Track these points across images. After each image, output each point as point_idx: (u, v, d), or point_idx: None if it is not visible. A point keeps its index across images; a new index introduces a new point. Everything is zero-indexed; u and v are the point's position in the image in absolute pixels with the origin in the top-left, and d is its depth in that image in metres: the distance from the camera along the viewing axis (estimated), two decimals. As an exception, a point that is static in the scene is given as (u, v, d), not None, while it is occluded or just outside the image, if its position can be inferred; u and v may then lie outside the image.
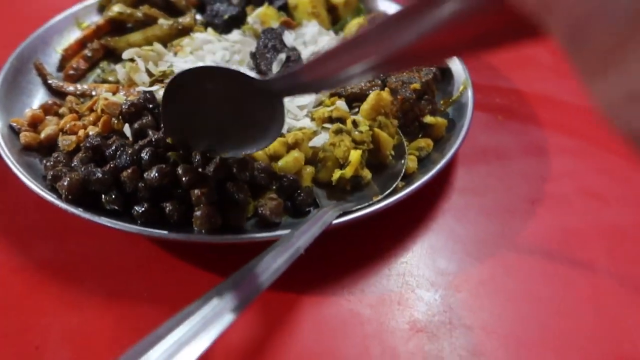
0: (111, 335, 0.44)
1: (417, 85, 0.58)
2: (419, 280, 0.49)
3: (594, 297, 0.47)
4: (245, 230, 0.48)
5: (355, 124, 0.53)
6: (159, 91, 0.55)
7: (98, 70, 0.68)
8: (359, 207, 0.48)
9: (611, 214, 0.56)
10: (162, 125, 0.50)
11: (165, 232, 0.45)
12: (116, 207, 0.47)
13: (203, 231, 0.46)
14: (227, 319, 0.34)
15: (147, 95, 0.53)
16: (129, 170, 0.47)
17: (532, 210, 0.56)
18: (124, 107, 0.52)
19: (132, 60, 0.62)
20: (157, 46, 0.64)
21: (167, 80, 0.60)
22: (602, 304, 0.47)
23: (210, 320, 0.34)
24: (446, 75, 0.66)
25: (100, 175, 0.46)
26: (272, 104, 0.44)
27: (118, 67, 0.64)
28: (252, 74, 0.62)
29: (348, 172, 0.51)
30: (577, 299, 0.47)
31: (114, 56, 0.70)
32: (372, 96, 0.55)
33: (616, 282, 0.49)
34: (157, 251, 0.50)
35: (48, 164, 0.50)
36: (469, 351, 0.44)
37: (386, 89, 0.58)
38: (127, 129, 0.53)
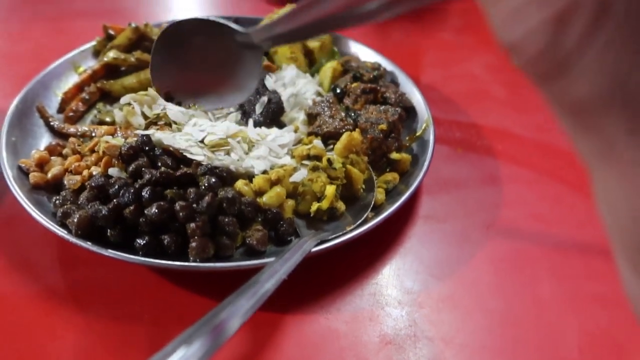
0: (116, 353, 0.50)
1: (384, 126, 0.65)
2: (387, 299, 0.56)
3: (537, 307, 0.55)
4: (234, 258, 0.55)
5: (330, 162, 0.60)
6: (155, 134, 0.62)
7: (95, 111, 0.75)
8: (335, 236, 0.55)
9: (554, 235, 0.64)
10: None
11: (164, 261, 0.52)
12: (120, 241, 0.53)
13: (197, 260, 0.53)
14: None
15: (144, 138, 0.60)
16: (131, 208, 0.53)
17: (487, 233, 0.64)
18: (123, 149, 0.59)
19: (128, 104, 0.69)
20: (151, 91, 0.71)
21: (160, 122, 0.67)
22: (544, 313, 0.55)
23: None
24: (410, 114, 0.74)
25: (105, 212, 0.53)
26: (252, 57, 0.50)
27: (116, 111, 0.70)
28: (236, 115, 0.70)
29: (324, 204, 0.58)
30: (522, 309, 0.55)
31: (109, 98, 0.77)
32: (345, 137, 0.62)
33: (556, 294, 0.56)
34: (157, 278, 0.56)
35: (57, 201, 0.56)
36: None
37: (357, 129, 0.65)
38: (114, 171, 0.59)
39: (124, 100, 0.69)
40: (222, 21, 0.54)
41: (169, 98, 0.64)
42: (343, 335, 0.52)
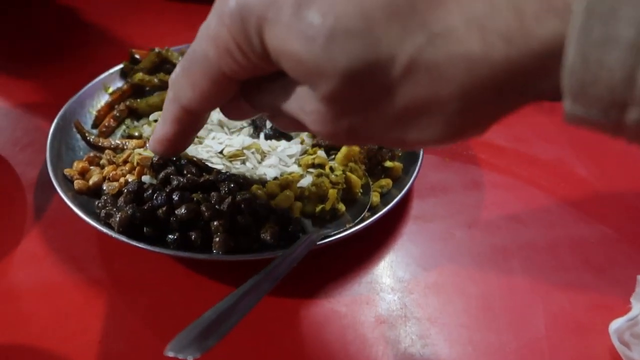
0: (154, 328, 0.59)
1: (378, 138, 0.75)
2: (382, 286, 0.65)
3: (510, 293, 0.64)
4: (252, 250, 0.64)
5: (332, 169, 0.70)
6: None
7: (123, 127, 0.85)
8: (336, 232, 0.64)
9: (528, 233, 0.73)
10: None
11: (193, 254, 0.61)
12: (154, 237, 0.63)
13: (220, 252, 0.62)
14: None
15: (173, 150, 0.70)
16: (164, 208, 0.63)
17: (469, 232, 0.73)
18: (154, 159, 0.69)
19: (155, 120, 0.79)
20: None
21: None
22: (516, 297, 0.64)
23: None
24: (403, 127, 0.84)
25: (142, 213, 0.62)
26: None
27: (145, 127, 0.80)
28: (248, 129, 0.80)
29: (327, 205, 0.68)
30: (497, 295, 0.64)
31: (135, 114, 0.87)
32: (344, 148, 0.72)
33: (526, 282, 0.66)
34: (184, 269, 0.66)
35: (99, 204, 0.66)
36: (418, 336, 0.60)
37: (355, 141, 0.75)
38: (146, 178, 0.69)
39: (152, 117, 0.79)
40: None
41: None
42: (344, 316, 0.61)
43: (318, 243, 0.62)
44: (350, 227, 0.65)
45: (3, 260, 0.66)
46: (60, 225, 0.70)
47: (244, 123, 0.83)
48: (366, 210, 0.69)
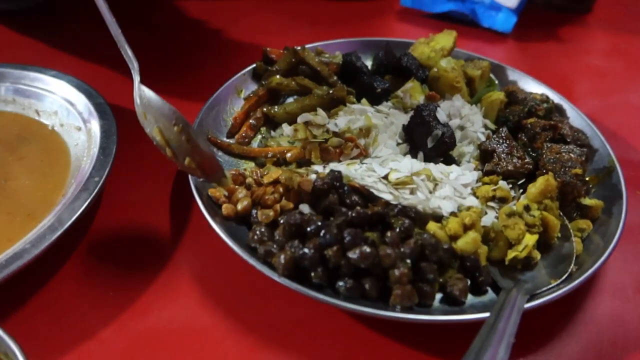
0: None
1: (579, 170, 0.62)
2: None
3: None
4: (433, 308, 0.53)
5: (527, 208, 0.58)
6: (342, 169, 0.61)
7: (259, 136, 0.75)
8: (545, 290, 0.52)
9: None
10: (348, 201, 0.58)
11: (372, 309, 0.50)
12: (323, 282, 0.52)
13: (398, 309, 0.51)
14: None
15: (336, 174, 0.59)
16: (334, 249, 0.53)
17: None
18: (317, 184, 0.59)
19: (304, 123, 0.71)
20: (320, 111, 0.72)
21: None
22: None
23: None
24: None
25: (310, 253, 0.52)
26: None
27: (284, 127, 0.72)
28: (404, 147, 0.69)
29: (523, 253, 0.56)
30: None
31: (271, 123, 0.77)
32: (542, 181, 0.59)
33: None
34: (350, 320, 0.55)
35: (255, 237, 0.56)
36: None
37: (549, 172, 0.62)
38: (305, 207, 0.59)
39: (300, 119, 0.70)
40: None
41: None
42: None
43: (526, 305, 0.50)
44: (558, 284, 0.53)
45: (142, 295, 0.58)
46: (206, 256, 0.61)
47: (399, 139, 0.71)
48: (572, 262, 0.56)
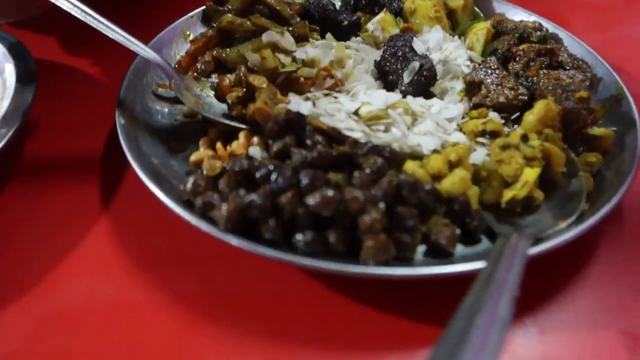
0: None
1: (583, 94, 0.52)
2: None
3: None
4: (415, 261, 0.43)
5: (525, 137, 0.47)
6: (306, 108, 0.51)
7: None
8: (552, 232, 0.42)
9: None
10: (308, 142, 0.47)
11: (335, 265, 0.40)
12: (278, 237, 0.42)
13: (371, 262, 0.41)
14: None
15: (293, 112, 0.49)
16: (288, 195, 0.42)
17: None
18: (268, 125, 0.48)
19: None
20: (287, 35, 0.62)
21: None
22: None
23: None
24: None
25: (259, 201, 0.42)
26: None
27: (249, 54, 0.61)
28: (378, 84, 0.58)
29: (522, 192, 0.45)
30: None
31: (224, 67, 0.66)
32: (541, 106, 0.49)
33: None
34: (314, 284, 0.45)
35: (188, 188, 0.45)
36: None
37: (549, 97, 0.52)
38: (256, 151, 0.49)
39: (266, 36, 0.60)
40: None
41: None
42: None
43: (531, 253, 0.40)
44: (569, 226, 0.43)
45: (66, 260, 0.47)
46: (134, 214, 0.51)
47: (370, 75, 0.61)
48: (583, 199, 0.46)
